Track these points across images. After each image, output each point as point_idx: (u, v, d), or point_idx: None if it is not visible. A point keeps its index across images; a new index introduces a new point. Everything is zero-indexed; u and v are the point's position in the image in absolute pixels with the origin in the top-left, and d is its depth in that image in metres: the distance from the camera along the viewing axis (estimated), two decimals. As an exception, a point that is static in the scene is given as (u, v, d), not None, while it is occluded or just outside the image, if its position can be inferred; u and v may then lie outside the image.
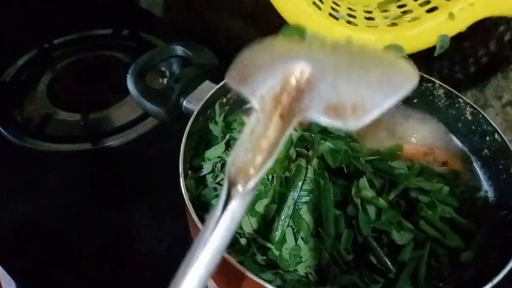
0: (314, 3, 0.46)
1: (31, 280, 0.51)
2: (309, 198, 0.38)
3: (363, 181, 0.37)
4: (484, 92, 0.67)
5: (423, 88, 0.50)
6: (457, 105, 0.47)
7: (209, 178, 0.42)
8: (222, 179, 0.42)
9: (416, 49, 0.45)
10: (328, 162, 0.40)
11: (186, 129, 0.41)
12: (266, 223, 0.37)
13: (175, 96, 0.46)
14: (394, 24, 0.47)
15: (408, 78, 0.19)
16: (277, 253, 0.36)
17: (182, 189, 0.36)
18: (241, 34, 0.87)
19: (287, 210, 0.37)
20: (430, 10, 0.45)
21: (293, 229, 0.37)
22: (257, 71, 0.23)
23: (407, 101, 0.50)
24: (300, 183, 0.38)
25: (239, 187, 0.20)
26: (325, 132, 0.44)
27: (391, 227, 0.36)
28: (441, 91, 0.48)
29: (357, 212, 0.36)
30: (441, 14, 0.43)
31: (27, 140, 0.69)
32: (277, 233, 0.36)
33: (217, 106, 0.47)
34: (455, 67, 0.67)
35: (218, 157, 0.43)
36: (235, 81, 0.23)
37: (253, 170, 0.20)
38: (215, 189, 0.41)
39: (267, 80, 0.22)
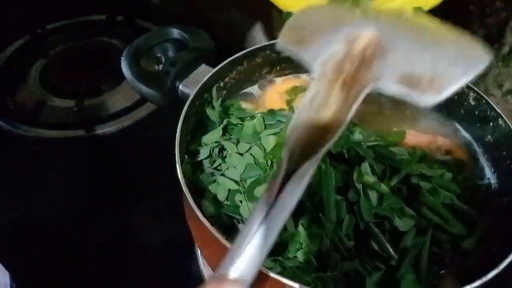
0: None
1: (31, 279, 0.51)
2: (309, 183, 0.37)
3: (365, 166, 0.36)
4: (484, 80, 0.66)
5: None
6: (460, 90, 0.46)
7: (206, 163, 0.41)
8: (219, 165, 0.41)
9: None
10: (329, 147, 0.39)
11: (182, 113, 0.40)
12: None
13: (171, 79, 0.45)
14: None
15: (482, 57, 0.19)
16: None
17: (179, 174, 0.35)
18: (241, 26, 0.85)
19: (286, 195, 0.36)
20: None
21: (293, 215, 0.36)
22: (316, 35, 0.21)
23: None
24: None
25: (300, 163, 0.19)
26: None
27: (393, 213, 0.35)
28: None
29: (359, 198, 0.35)
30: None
31: (20, 127, 0.68)
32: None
33: (214, 90, 0.45)
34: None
35: (215, 142, 0.42)
36: (289, 44, 0.22)
37: (313, 143, 0.19)
38: (212, 174, 0.40)
39: (329, 45, 0.21)
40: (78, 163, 0.64)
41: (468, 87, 0.45)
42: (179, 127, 0.38)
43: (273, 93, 0.51)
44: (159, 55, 0.73)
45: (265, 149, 0.40)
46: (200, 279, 0.49)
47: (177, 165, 0.35)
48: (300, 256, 0.34)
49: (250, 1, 0.81)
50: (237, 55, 0.47)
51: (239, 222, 0.36)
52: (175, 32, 0.50)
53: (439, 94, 0.18)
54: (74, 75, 0.77)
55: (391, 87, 0.19)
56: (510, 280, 0.33)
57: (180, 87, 0.46)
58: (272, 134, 0.41)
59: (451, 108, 0.47)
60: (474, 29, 0.62)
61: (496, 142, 0.43)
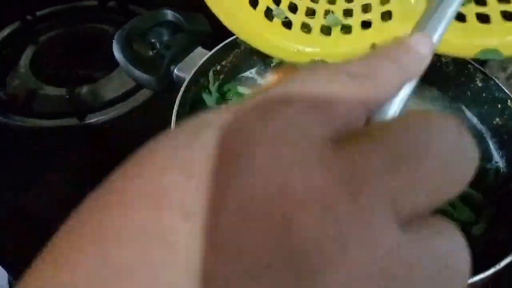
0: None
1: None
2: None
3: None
4: (488, 63, 0.65)
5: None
6: (466, 71, 0.44)
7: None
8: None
9: None
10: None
11: (177, 98, 0.38)
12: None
13: (166, 63, 0.43)
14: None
15: None
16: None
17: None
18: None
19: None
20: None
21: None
22: None
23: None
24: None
25: None
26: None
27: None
28: (449, 58, 0.46)
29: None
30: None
31: (11, 117, 0.66)
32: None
33: (210, 74, 0.44)
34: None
35: (213, 128, 0.40)
36: None
37: None
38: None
39: None
40: (73, 153, 0.62)
41: (475, 68, 0.44)
42: (174, 112, 0.36)
43: (273, 77, 0.50)
44: (154, 40, 0.70)
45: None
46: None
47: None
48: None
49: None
50: (234, 37, 0.45)
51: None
52: (170, 14, 0.48)
53: None
54: (66, 63, 0.75)
55: None
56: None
57: (175, 71, 0.44)
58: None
59: (457, 90, 0.46)
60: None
61: (504, 124, 0.41)
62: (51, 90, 0.70)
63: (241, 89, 0.47)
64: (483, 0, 0.31)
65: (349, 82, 0.13)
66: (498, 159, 0.42)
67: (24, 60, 0.75)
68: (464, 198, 0.37)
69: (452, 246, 0.12)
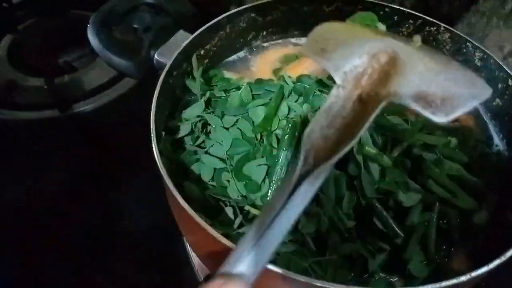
0: None
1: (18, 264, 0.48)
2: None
3: (366, 137, 0.33)
4: (484, 42, 0.62)
5: (425, 33, 0.44)
6: (464, 50, 0.42)
7: (188, 141, 0.37)
8: (203, 141, 0.37)
9: None
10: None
11: (158, 84, 0.35)
12: (255, 188, 0.32)
13: (145, 47, 0.40)
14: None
15: (485, 90, 0.22)
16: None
17: (155, 153, 0.31)
18: None
19: (279, 171, 0.32)
20: None
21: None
22: (339, 47, 0.23)
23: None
24: (293, 141, 0.32)
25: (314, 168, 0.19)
26: (321, 82, 0.38)
27: (397, 188, 0.32)
28: (446, 36, 0.43)
29: (359, 172, 0.32)
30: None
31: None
32: (268, 198, 0.32)
33: (194, 59, 0.41)
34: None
35: (198, 116, 0.38)
36: (313, 54, 0.23)
37: (326, 150, 0.20)
38: (195, 152, 0.36)
39: (350, 58, 0.23)
40: (56, 145, 0.60)
41: (473, 45, 0.41)
42: (154, 99, 0.34)
43: (262, 62, 0.47)
44: (135, 26, 0.67)
45: (253, 122, 0.36)
46: (187, 262, 0.46)
47: (153, 143, 0.31)
48: (295, 239, 0.30)
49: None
50: (218, 18, 0.42)
51: (226, 205, 0.32)
52: (149, -5, 0.45)
53: (449, 115, 0.20)
54: (44, 52, 0.71)
55: (409, 103, 0.21)
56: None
57: (156, 56, 0.41)
58: (261, 105, 0.37)
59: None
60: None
61: (505, 105, 0.39)
62: (31, 81, 0.67)
63: (228, 74, 0.44)
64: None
65: None
66: (498, 142, 0.40)
67: (1, 50, 0.72)
68: (465, 185, 0.35)
69: None
